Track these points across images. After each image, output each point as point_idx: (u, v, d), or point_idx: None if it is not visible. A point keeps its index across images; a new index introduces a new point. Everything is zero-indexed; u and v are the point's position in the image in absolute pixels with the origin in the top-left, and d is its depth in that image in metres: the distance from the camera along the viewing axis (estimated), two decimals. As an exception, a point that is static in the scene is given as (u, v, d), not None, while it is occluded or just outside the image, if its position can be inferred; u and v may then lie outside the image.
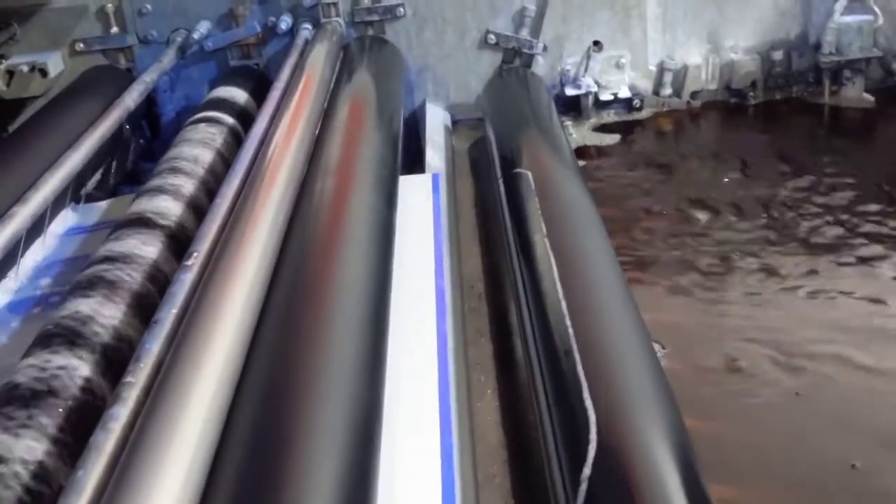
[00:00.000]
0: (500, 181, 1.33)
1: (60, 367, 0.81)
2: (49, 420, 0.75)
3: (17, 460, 0.70)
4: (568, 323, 0.90)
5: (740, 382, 1.05)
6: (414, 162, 1.55)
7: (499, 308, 1.20)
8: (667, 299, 1.24)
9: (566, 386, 0.85)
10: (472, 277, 1.27)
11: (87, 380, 0.81)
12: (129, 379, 0.72)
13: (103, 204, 1.41)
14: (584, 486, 0.68)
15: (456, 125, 1.78)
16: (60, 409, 0.77)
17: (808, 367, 1.07)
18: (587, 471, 0.69)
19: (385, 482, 0.71)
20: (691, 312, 1.20)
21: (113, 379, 0.83)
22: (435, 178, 1.36)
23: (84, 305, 0.90)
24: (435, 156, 1.54)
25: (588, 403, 0.77)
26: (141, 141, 1.73)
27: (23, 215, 1.09)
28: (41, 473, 0.71)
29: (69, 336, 0.85)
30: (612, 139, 1.76)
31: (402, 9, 1.73)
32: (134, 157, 1.67)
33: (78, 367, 0.82)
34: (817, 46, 1.81)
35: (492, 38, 1.76)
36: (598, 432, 0.74)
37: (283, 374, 0.76)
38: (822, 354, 1.09)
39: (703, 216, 1.45)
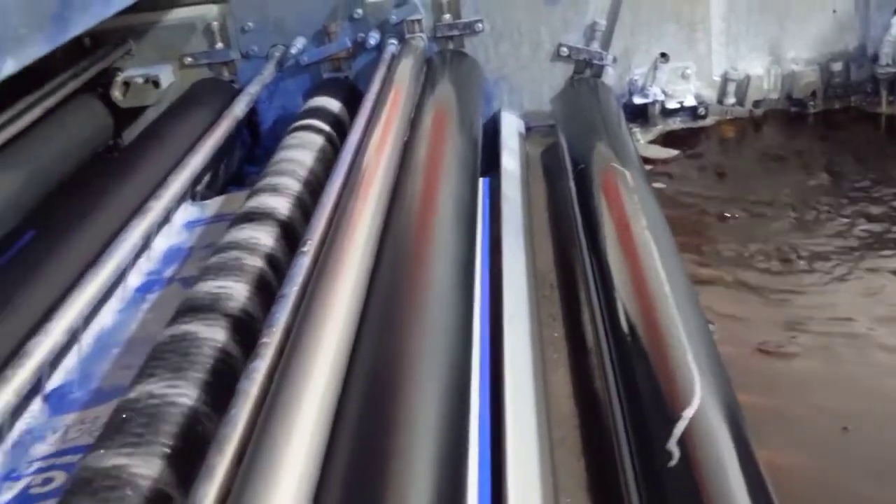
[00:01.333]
0: (573, 181, 1.46)
1: (199, 334, 0.97)
2: (195, 377, 0.91)
3: (175, 406, 0.86)
4: (672, 302, 1.02)
5: (789, 362, 1.17)
6: (490, 165, 1.68)
7: (569, 295, 1.33)
8: (725, 289, 1.36)
9: (632, 359, 0.99)
10: (545, 268, 1.40)
11: (223, 349, 0.96)
12: (264, 340, 0.87)
13: (216, 200, 1.58)
14: (683, 423, 0.80)
15: (529, 132, 1.90)
16: (204, 368, 0.92)
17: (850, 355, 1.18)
18: (690, 411, 0.81)
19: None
20: (747, 301, 1.31)
21: (242, 345, 0.99)
22: (485, 182, 1.49)
23: (215, 285, 1.06)
24: (510, 160, 1.67)
25: (692, 364, 0.89)
26: (239, 146, 1.89)
27: (156, 209, 1.26)
28: (192, 420, 0.86)
29: (205, 309, 1.01)
30: (669, 153, 1.86)
31: (480, 24, 1.87)
32: (238, 161, 1.84)
33: (214, 335, 0.97)
34: (875, 58, 1.90)
35: (564, 51, 1.89)
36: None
37: (389, 340, 0.90)
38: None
39: (764, 214, 1.56)
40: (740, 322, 1.24)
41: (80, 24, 0.98)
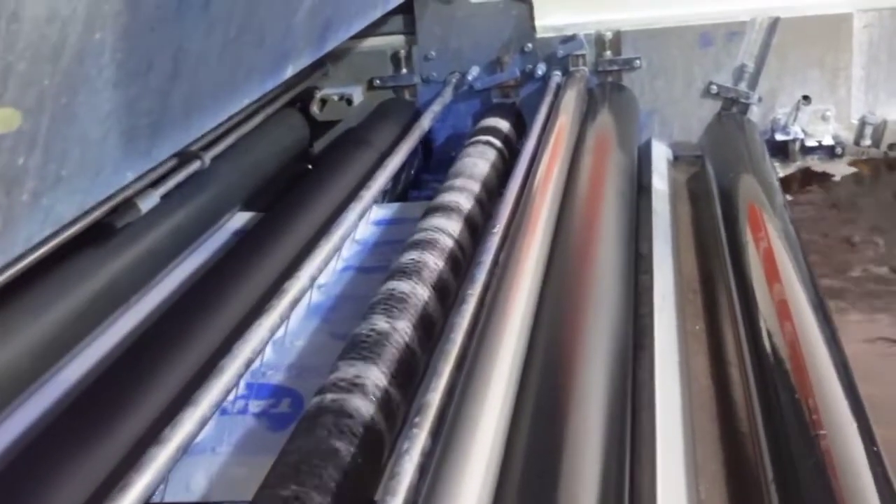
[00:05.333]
0: (719, 204, 1.65)
1: (408, 292, 1.20)
2: (407, 321, 1.14)
3: (393, 333, 1.09)
4: (805, 311, 1.19)
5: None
6: (640, 187, 1.87)
7: (709, 299, 1.51)
8: (849, 300, 1.51)
9: (767, 354, 1.16)
10: (689, 276, 1.58)
11: (428, 299, 1.19)
12: (469, 291, 1.09)
13: (397, 206, 1.83)
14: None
15: (676, 160, 2.09)
16: (412, 318, 1.16)
17: None
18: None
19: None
20: (868, 309, 1.47)
21: (441, 300, 1.22)
22: None
23: (417, 256, 1.30)
24: (660, 182, 1.86)
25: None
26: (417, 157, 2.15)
27: (357, 209, 1.49)
28: (410, 347, 1.09)
29: (414, 273, 1.24)
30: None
31: (639, 61, 2.07)
32: (416, 170, 2.10)
33: (421, 290, 1.21)
34: None
35: (714, 89, 2.07)
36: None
37: (565, 307, 1.11)
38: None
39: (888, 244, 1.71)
40: (862, 324, 1.40)
41: (331, 43, 1.23)
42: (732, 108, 2.07)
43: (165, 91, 0.77)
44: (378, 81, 2.20)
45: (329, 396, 0.96)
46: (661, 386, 1.17)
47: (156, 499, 0.92)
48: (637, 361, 1.20)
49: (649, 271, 1.46)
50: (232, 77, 0.90)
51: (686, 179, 2.01)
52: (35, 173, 0.61)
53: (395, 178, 1.93)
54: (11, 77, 0.53)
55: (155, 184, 1.41)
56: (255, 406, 1.18)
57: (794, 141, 2.06)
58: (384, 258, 1.55)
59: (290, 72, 1.10)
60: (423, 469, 0.80)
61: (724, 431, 1.17)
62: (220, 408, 0.99)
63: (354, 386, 0.98)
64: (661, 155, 2.03)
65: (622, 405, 1.01)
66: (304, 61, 1.14)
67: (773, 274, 1.33)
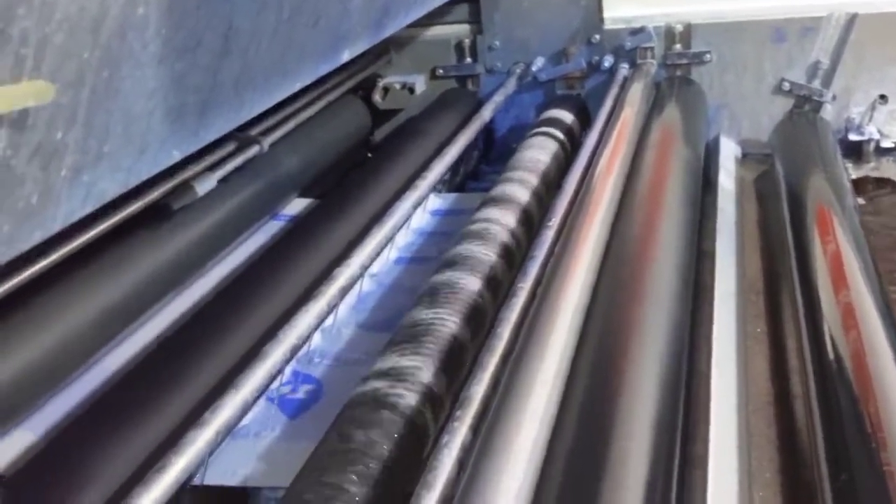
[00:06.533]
0: (787, 205, 1.59)
1: (462, 282, 1.18)
2: (456, 313, 1.12)
3: (442, 325, 1.07)
4: (873, 322, 1.14)
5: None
6: (706, 183, 1.82)
7: (773, 302, 1.46)
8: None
9: (827, 361, 1.12)
10: (753, 277, 1.54)
11: (479, 292, 1.17)
12: (520, 285, 1.07)
13: (455, 196, 1.81)
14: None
15: (744, 158, 2.03)
16: (462, 310, 1.13)
17: None
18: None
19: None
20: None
21: (493, 293, 1.20)
22: None
23: (471, 248, 1.27)
24: (727, 179, 1.81)
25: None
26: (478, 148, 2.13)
27: (412, 198, 1.47)
28: (458, 339, 1.07)
29: (466, 264, 1.22)
30: None
31: (709, 55, 2.02)
32: (476, 161, 2.07)
33: (472, 282, 1.19)
34: None
35: (786, 86, 2.00)
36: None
37: (619, 303, 1.08)
38: None
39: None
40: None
41: (389, 29, 1.22)
42: (805, 105, 2.00)
43: (215, 69, 0.76)
44: (441, 71, 2.18)
45: (373, 385, 0.94)
46: (717, 387, 1.13)
47: (196, 481, 0.91)
48: (693, 361, 1.16)
49: (711, 270, 1.42)
50: (285, 58, 0.89)
51: (754, 178, 1.95)
52: (75, 148, 0.60)
53: (454, 168, 1.91)
54: (48, 48, 0.52)
55: (213, 167, 1.41)
56: (295, 393, 1.17)
57: (868, 142, 1.98)
58: (439, 248, 1.53)
59: (346, 56, 1.09)
60: (461, 464, 0.78)
61: (781, 438, 1.13)
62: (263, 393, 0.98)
63: (399, 376, 0.96)
64: (729, 152, 1.97)
65: (674, 405, 0.97)
66: (361, 46, 1.13)
67: (839, 279, 1.28)
